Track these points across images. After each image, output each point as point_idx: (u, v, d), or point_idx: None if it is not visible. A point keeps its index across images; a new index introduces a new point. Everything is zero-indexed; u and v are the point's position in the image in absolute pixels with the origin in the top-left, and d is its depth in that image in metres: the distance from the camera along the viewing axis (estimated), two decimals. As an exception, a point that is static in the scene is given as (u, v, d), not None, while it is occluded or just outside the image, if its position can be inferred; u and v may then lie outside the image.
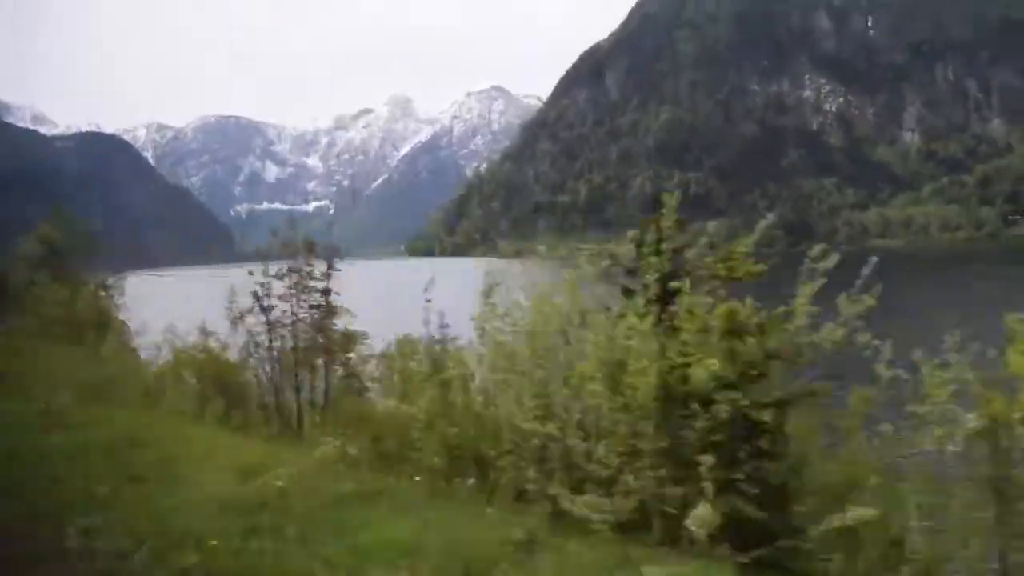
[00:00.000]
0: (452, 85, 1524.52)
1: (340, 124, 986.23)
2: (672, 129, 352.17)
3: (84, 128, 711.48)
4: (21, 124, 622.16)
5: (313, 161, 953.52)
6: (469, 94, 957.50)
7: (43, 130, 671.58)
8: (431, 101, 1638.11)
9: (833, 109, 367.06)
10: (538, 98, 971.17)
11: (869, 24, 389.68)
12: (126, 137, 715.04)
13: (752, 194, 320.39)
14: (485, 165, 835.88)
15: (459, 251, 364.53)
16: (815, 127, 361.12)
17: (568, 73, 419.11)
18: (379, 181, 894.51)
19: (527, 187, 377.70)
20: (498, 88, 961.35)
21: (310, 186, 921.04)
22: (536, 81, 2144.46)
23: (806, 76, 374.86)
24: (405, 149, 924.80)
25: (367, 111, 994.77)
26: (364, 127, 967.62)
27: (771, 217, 8.28)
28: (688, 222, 7.26)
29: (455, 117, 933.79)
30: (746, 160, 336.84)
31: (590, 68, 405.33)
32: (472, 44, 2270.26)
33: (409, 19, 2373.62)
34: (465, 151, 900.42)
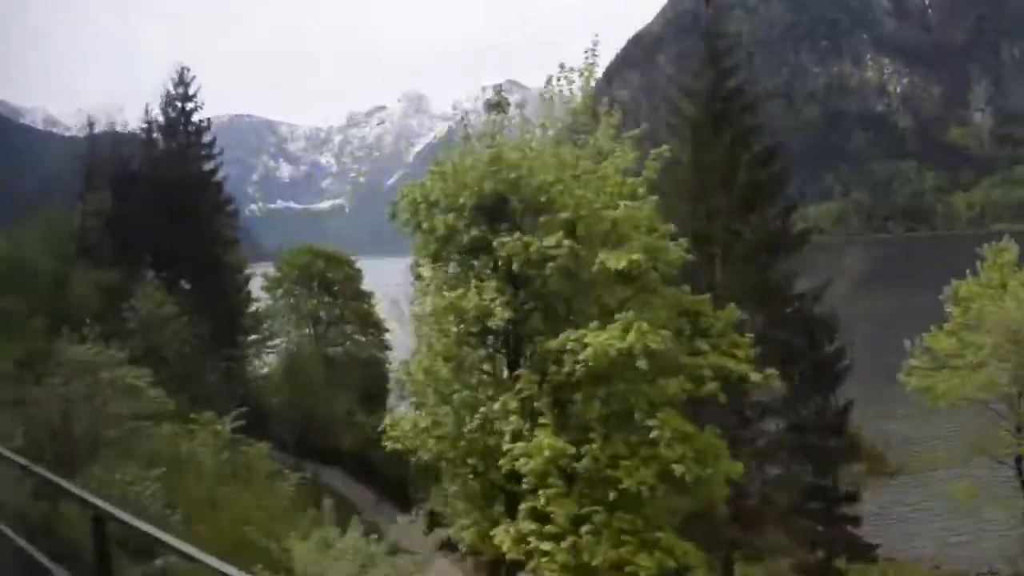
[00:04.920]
0: (465, 80, 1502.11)
1: (353, 121, 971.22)
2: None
3: (97, 130, 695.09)
4: (35, 126, 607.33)
5: (327, 159, 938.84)
6: (484, 88, 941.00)
7: (55, 131, 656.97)
8: (445, 97, 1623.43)
9: (898, 90, 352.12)
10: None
11: (927, 1, 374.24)
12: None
13: (824, 179, 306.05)
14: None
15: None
16: (880, 109, 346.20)
17: (617, 57, 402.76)
18: (395, 178, 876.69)
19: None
20: (513, 82, 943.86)
21: (324, 184, 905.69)
22: (550, 73, 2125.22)
23: (868, 56, 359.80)
24: (420, 146, 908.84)
25: (380, 108, 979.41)
26: (378, 124, 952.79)
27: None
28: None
29: (470, 111, 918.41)
30: (812, 144, 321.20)
31: (641, 52, 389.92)
32: (483, 38, 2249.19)
33: (419, 15, 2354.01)
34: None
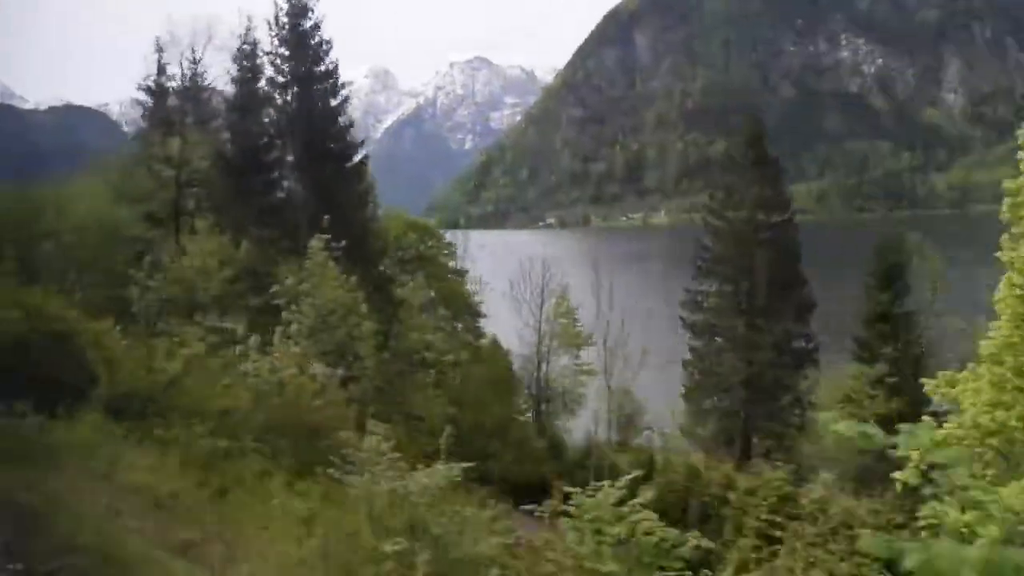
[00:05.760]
0: (433, 56, 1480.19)
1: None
2: (710, 93, 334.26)
3: (56, 103, 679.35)
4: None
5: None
6: (452, 65, 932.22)
7: (14, 104, 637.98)
8: (412, 72, 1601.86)
9: (872, 70, 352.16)
10: (522, 68, 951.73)
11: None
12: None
13: (800, 158, 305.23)
14: (471, 137, 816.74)
15: (486, 223, 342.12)
16: (855, 89, 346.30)
17: (592, 34, 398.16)
18: (361, 155, 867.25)
19: (555, 154, 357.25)
20: (481, 58, 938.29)
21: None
22: (518, 51, 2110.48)
23: (842, 36, 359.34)
24: (388, 122, 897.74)
25: (346, 83, 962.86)
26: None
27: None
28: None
29: (439, 88, 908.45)
30: (787, 123, 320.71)
31: (616, 28, 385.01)
32: (452, 13, 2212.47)
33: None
34: (450, 123, 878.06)
